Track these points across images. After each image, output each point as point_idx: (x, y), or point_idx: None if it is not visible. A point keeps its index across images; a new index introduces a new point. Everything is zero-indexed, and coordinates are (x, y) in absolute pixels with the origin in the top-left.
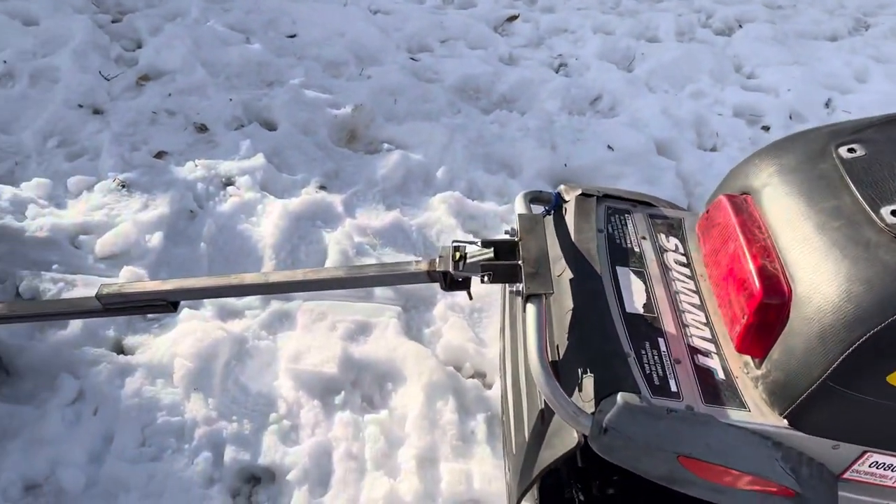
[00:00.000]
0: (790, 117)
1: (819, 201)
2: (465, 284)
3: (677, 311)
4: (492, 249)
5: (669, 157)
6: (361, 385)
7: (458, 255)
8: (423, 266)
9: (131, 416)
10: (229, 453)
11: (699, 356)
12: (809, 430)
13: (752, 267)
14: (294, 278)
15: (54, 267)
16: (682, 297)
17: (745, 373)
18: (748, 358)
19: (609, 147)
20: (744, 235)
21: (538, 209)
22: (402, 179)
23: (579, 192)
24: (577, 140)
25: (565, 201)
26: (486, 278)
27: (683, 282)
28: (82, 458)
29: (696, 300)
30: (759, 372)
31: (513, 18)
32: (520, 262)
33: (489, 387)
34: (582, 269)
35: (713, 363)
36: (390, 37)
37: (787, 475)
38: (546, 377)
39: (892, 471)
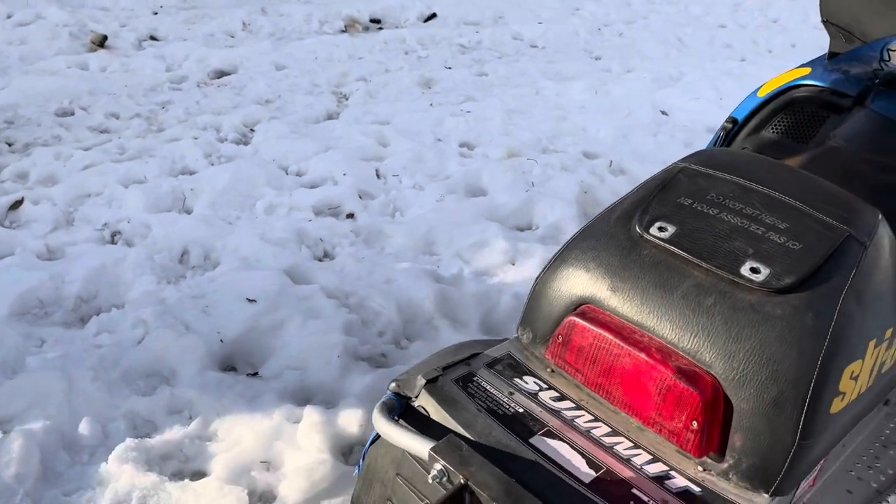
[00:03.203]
0: (360, 197)
1: (675, 286)
2: None
3: (610, 451)
4: None
5: (306, 282)
6: None
7: None
8: None
9: None
10: None
11: (667, 482)
12: (787, 492)
13: (669, 372)
14: None
15: None
16: (596, 432)
17: (706, 472)
18: (703, 458)
19: (249, 300)
20: (634, 346)
21: None
22: None
23: (422, 380)
24: (206, 308)
25: (411, 399)
26: None
27: (580, 416)
28: None
29: (607, 429)
30: (724, 465)
31: (17, 204)
32: None
33: None
34: (514, 465)
35: (681, 481)
36: None
37: None
38: None
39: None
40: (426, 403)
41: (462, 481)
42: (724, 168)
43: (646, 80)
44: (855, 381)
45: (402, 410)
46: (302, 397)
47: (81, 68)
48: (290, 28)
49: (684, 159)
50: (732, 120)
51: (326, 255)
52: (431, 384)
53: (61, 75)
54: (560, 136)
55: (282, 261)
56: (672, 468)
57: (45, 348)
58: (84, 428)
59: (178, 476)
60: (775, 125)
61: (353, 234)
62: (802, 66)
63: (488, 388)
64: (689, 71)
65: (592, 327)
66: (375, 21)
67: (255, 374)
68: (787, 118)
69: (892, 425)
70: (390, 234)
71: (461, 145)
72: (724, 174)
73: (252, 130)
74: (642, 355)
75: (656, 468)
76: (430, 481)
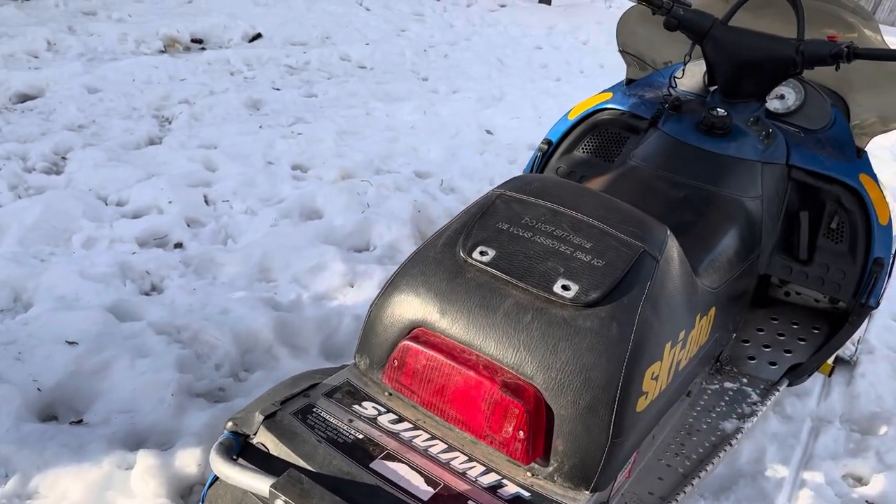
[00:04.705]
0: (188, 225)
1: (497, 306)
2: None
3: (446, 467)
4: None
5: (133, 319)
6: None
7: None
8: None
9: None
10: None
11: (500, 491)
12: (605, 487)
13: (495, 387)
14: None
15: None
16: (433, 450)
17: (534, 477)
18: (531, 464)
19: (69, 342)
20: (463, 365)
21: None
22: None
23: (260, 416)
24: (20, 354)
25: (249, 436)
26: None
27: (418, 435)
28: None
29: (444, 445)
30: (549, 469)
31: None
32: None
33: None
34: (355, 492)
35: (512, 488)
36: None
37: None
38: None
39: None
40: (265, 439)
41: None
42: (536, 194)
43: (471, 100)
44: (656, 380)
45: (240, 449)
46: (134, 441)
47: None
48: (102, 48)
49: (500, 186)
50: (548, 141)
51: (154, 289)
52: (270, 419)
53: None
54: (392, 157)
55: (104, 298)
56: (504, 477)
57: None
58: None
59: None
60: (585, 146)
61: (182, 264)
62: (605, 91)
63: (328, 417)
64: (510, 91)
65: (425, 349)
66: (197, 41)
67: (80, 421)
68: (594, 139)
69: (694, 414)
70: (223, 262)
71: (294, 168)
72: (537, 199)
73: (64, 158)
74: (471, 373)
75: (489, 478)
76: None
